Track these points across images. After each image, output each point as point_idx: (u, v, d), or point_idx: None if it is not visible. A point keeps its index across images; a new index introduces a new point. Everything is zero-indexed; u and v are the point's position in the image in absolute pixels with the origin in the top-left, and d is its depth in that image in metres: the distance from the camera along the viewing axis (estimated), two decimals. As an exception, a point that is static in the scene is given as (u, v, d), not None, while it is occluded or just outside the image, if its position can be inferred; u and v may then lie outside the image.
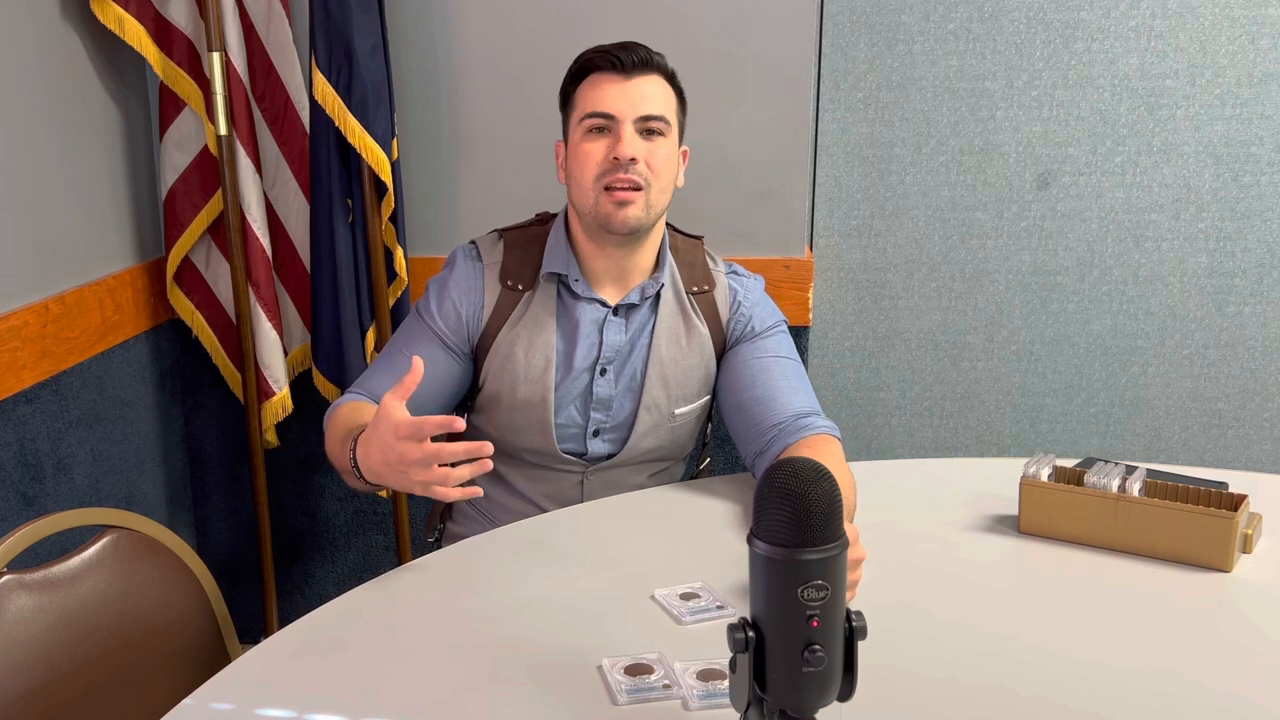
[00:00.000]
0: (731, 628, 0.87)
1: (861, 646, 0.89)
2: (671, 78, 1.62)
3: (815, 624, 0.85)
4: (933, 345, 2.66)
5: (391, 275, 2.32)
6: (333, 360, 2.29)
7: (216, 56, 2.19)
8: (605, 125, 1.56)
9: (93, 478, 2.17)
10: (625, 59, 1.56)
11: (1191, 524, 1.40)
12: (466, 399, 1.72)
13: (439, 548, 1.66)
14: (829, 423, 1.61)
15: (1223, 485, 1.47)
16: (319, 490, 2.58)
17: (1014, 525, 1.52)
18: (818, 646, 0.85)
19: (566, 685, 1.13)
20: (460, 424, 1.28)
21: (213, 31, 2.17)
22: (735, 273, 1.74)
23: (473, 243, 1.70)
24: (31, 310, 1.94)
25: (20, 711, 1.24)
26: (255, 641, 2.02)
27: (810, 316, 2.44)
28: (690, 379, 1.68)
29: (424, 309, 1.66)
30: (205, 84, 2.23)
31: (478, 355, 1.67)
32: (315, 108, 2.16)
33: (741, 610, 1.27)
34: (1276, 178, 2.51)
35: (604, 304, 1.64)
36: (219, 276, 2.36)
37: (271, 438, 2.41)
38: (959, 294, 2.63)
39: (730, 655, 0.89)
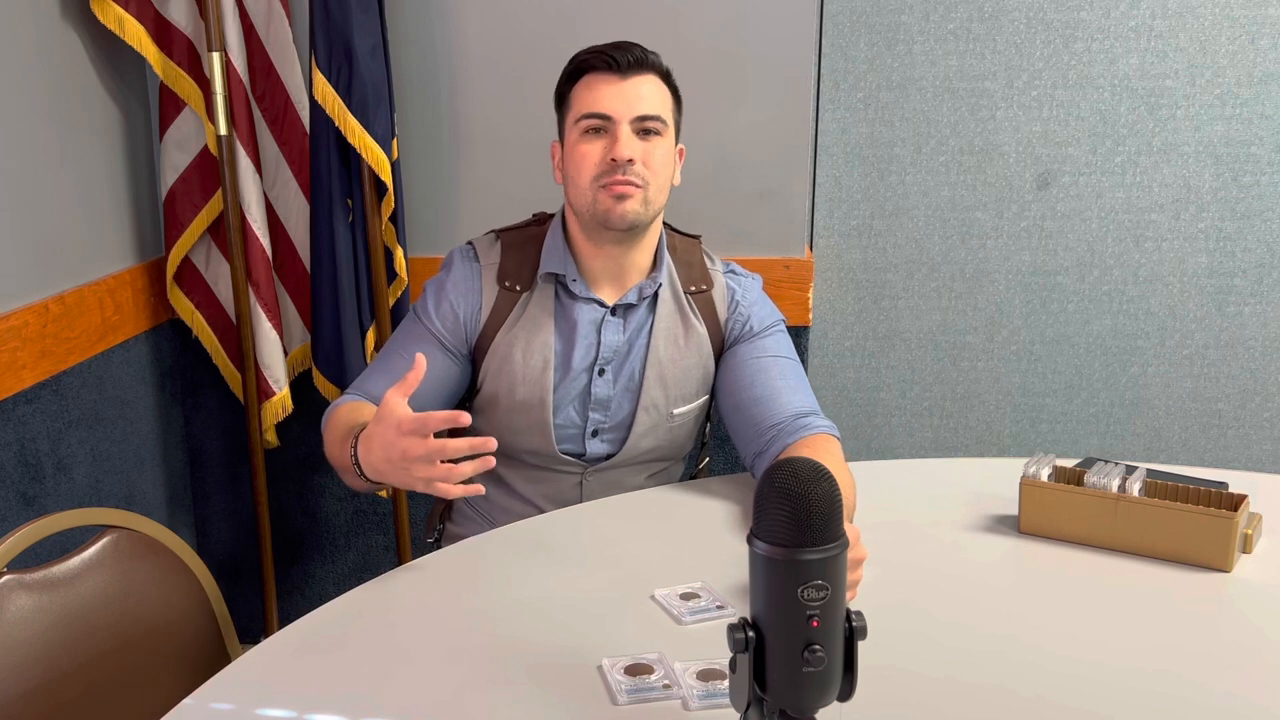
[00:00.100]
0: (731, 628, 0.87)
1: (861, 646, 0.89)
2: (667, 76, 1.61)
3: (815, 624, 0.85)
4: (933, 345, 2.66)
5: (391, 275, 2.32)
6: (333, 360, 2.29)
7: (216, 56, 2.19)
8: (601, 126, 1.56)
9: (93, 478, 2.17)
10: (620, 59, 1.55)
11: (1191, 524, 1.40)
12: (465, 400, 1.72)
13: (438, 548, 1.66)
14: (828, 422, 1.60)
15: (1223, 485, 1.47)
16: (319, 490, 2.58)
17: (1014, 525, 1.52)
18: (818, 646, 0.85)
19: (566, 685, 1.13)
20: (466, 419, 1.28)
21: (213, 31, 2.17)
22: (733, 272, 1.74)
23: (470, 244, 1.70)
24: (31, 310, 1.94)
25: (20, 711, 1.24)
26: (255, 641, 2.02)
27: (810, 316, 2.44)
28: (689, 379, 1.68)
29: (421, 310, 1.66)
30: (205, 84, 2.23)
31: (476, 356, 1.66)
32: (315, 108, 2.16)
33: (741, 610, 1.27)
34: (1276, 178, 2.51)
35: (602, 304, 1.64)
36: (219, 276, 2.36)
37: (271, 438, 2.41)
38: (959, 294, 2.63)
39: (730, 655, 0.89)
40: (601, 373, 1.65)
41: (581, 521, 1.55)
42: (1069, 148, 2.53)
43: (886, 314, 2.65)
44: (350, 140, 2.16)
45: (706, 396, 1.73)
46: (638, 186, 1.55)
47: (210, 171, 2.29)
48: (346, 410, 1.55)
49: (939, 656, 1.20)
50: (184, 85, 2.24)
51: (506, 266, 1.65)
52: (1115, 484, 1.45)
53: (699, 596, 1.31)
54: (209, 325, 2.38)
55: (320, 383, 2.32)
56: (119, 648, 1.36)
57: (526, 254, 1.66)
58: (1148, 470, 1.52)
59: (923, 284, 2.63)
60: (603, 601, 1.31)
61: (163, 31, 2.20)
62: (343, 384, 2.29)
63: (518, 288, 1.65)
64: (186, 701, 1.11)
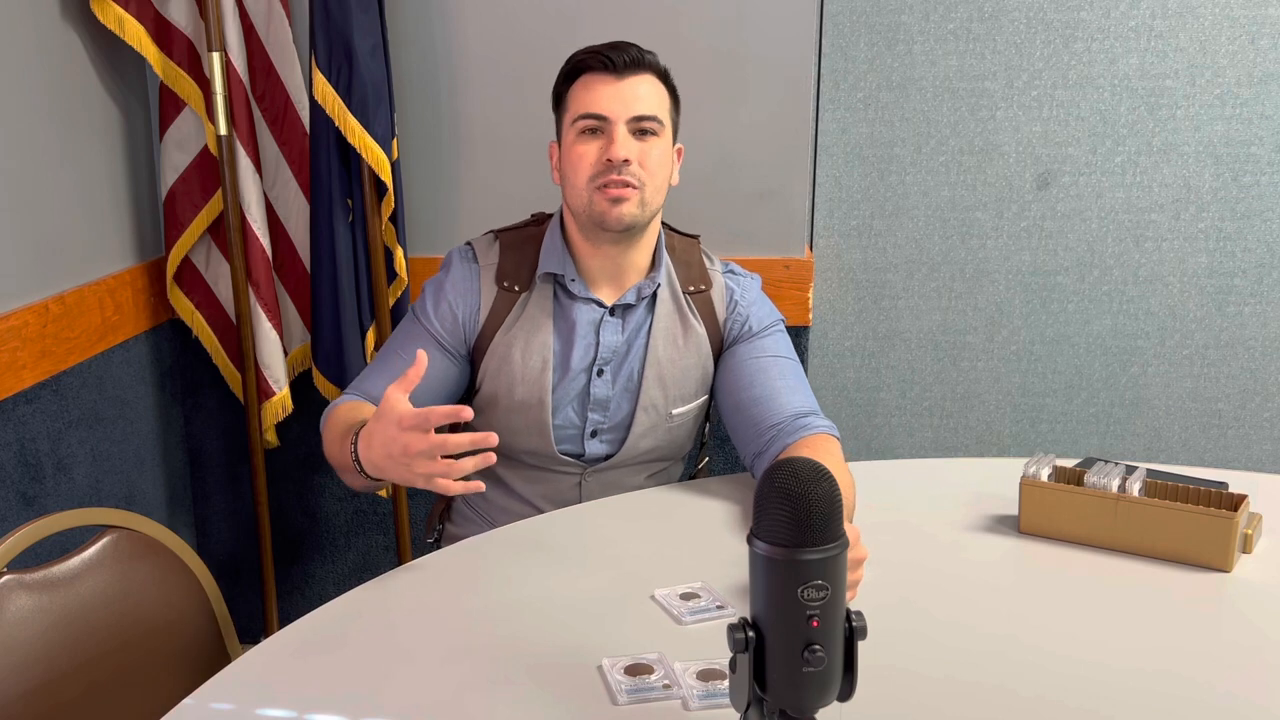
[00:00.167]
0: (731, 628, 0.87)
1: (861, 646, 0.89)
2: (664, 76, 1.61)
3: (815, 624, 0.85)
4: (933, 345, 2.66)
5: (391, 275, 2.32)
6: (333, 360, 2.29)
7: (216, 56, 2.19)
8: (598, 126, 1.56)
9: (93, 478, 2.17)
10: (617, 59, 1.55)
11: (1191, 524, 1.40)
12: (463, 401, 1.72)
13: (438, 549, 1.66)
14: (828, 422, 1.60)
15: (1223, 485, 1.47)
16: (319, 490, 2.58)
17: (1014, 525, 1.52)
18: (818, 646, 0.85)
19: (566, 685, 1.13)
20: (469, 413, 1.27)
21: (213, 31, 2.17)
22: (732, 272, 1.74)
23: (468, 244, 1.70)
24: (31, 310, 1.94)
25: (20, 711, 1.24)
26: (255, 641, 2.02)
27: (810, 316, 2.44)
28: (688, 379, 1.68)
29: (420, 311, 1.66)
30: (205, 84, 2.23)
31: (474, 357, 1.66)
32: (315, 108, 2.16)
33: (741, 610, 1.27)
34: (1276, 178, 2.51)
35: (600, 304, 1.64)
36: (219, 276, 2.36)
37: (271, 438, 2.41)
38: (959, 294, 2.63)
39: (730, 655, 0.89)
40: (600, 373, 1.65)
41: (581, 521, 1.55)
42: (1069, 148, 2.53)
43: (886, 314, 2.65)
44: (350, 140, 2.16)
45: (705, 396, 1.73)
46: (634, 187, 1.55)
47: (210, 171, 2.29)
48: (345, 409, 1.55)
49: (939, 656, 1.20)
50: (184, 85, 2.24)
51: (505, 267, 1.65)
52: (1115, 484, 1.45)
53: (699, 596, 1.31)
54: (209, 325, 2.38)
55: (320, 383, 2.32)
56: (119, 648, 1.36)
57: (525, 254, 1.66)
58: (1148, 470, 1.52)
59: (923, 284, 2.63)
60: (603, 601, 1.31)
61: (163, 31, 2.20)
62: (343, 384, 2.29)
63: (516, 288, 1.65)
64: (186, 701, 1.11)
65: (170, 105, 2.26)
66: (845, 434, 2.36)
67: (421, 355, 1.32)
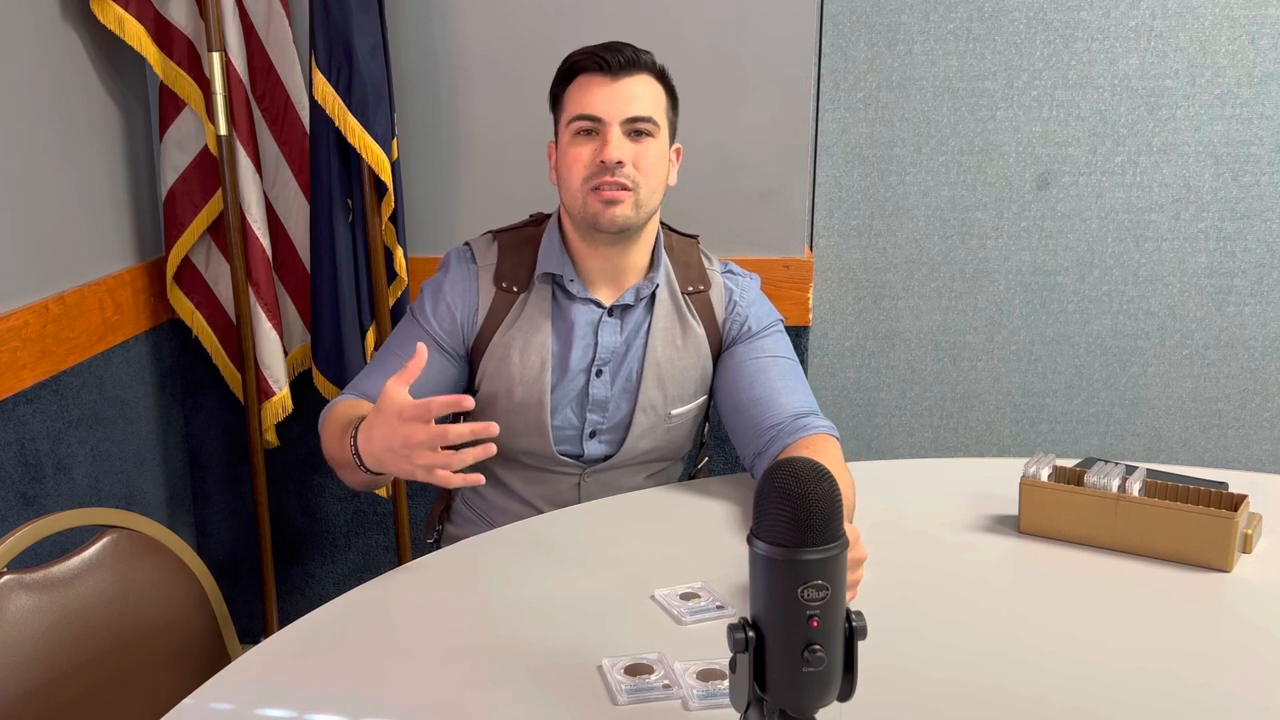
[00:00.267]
0: (731, 628, 0.87)
1: (861, 646, 0.89)
2: (661, 75, 1.61)
3: (815, 624, 0.85)
4: (933, 345, 2.66)
5: (391, 275, 2.32)
6: (333, 360, 2.29)
7: (216, 56, 2.19)
8: (592, 128, 1.56)
9: (93, 478, 2.17)
10: (611, 60, 1.55)
11: (1191, 524, 1.40)
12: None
13: (438, 549, 1.66)
14: (827, 423, 1.60)
15: (1223, 485, 1.47)
16: (319, 490, 2.58)
17: (1014, 525, 1.52)
18: (818, 646, 0.85)
19: (566, 685, 1.13)
20: (470, 402, 1.27)
21: (213, 31, 2.17)
22: (731, 272, 1.74)
23: (467, 244, 1.70)
24: (31, 310, 1.94)
25: (20, 711, 1.24)
26: (255, 641, 2.02)
27: (810, 316, 2.44)
28: (686, 379, 1.68)
29: (418, 311, 1.66)
30: (205, 84, 2.23)
31: (473, 358, 1.66)
32: (315, 108, 2.16)
33: (741, 610, 1.27)
34: (1276, 178, 2.51)
35: (599, 305, 1.64)
36: (219, 276, 2.36)
37: (271, 438, 2.41)
38: (959, 294, 2.63)
39: (730, 655, 0.89)
40: (599, 374, 1.65)
41: (581, 522, 1.55)
42: (1069, 148, 2.53)
43: (886, 314, 2.65)
44: (350, 140, 2.16)
45: (705, 397, 1.72)
46: (627, 190, 1.55)
47: (210, 171, 2.29)
48: (344, 407, 1.55)
49: (939, 656, 1.20)
50: (184, 85, 2.24)
51: (503, 268, 1.65)
52: (1115, 484, 1.45)
53: (699, 596, 1.31)
54: (209, 325, 2.38)
55: (320, 383, 2.32)
56: (119, 648, 1.36)
57: (523, 255, 1.66)
58: (1148, 470, 1.52)
59: (923, 284, 2.63)
60: (603, 601, 1.31)
61: (163, 31, 2.20)
62: (343, 384, 2.29)
63: (515, 289, 1.65)
64: (186, 701, 1.11)
65: (170, 105, 2.26)
66: (845, 434, 2.36)
67: (421, 348, 1.32)
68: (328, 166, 2.20)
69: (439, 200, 2.42)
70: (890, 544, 1.45)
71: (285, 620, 2.57)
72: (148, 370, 2.37)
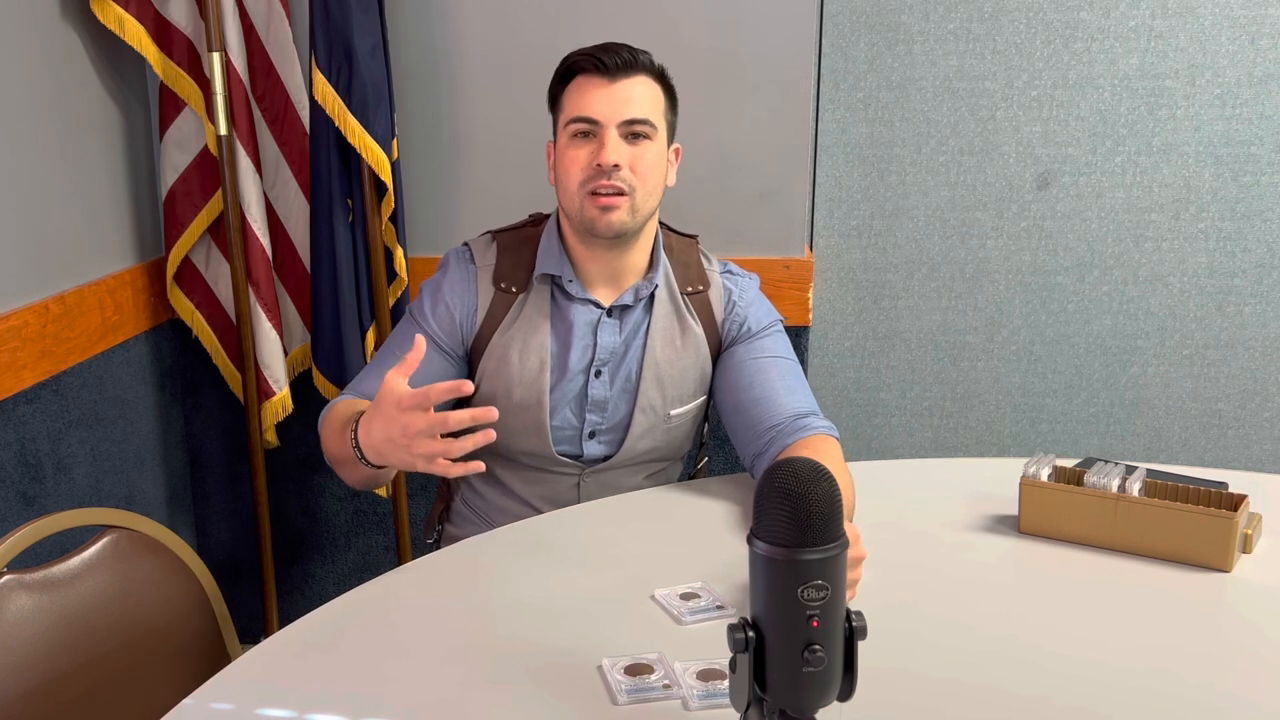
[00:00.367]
0: (731, 628, 0.87)
1: (861, 646, 0.89)
2: (660, 76, 1.60)
3: (815, 624, 0.85)
4: (933, 345, 2.66)
5: (391, 275, 2.32)
6: (333, 360, 2.29)
7: (216, 56, 2.19)
8: (590, 130, 1.55)
9: (93, 478, 2.17)
10: (609, 61, 1.54)
11: (1191, 524, 1.40)
12: (461, 402, 1.72)
13: (438, 549, 1.66)
14: (827, 423, 1.60)
15: (1223, 485, 1.47)
16: (319, 490, 2.58)
17: (1014, 525, 1.52)
18: (818, 646, 0.85)
19: (566, 685, 1.13)
20: (469, 387, 1.27)
21: (213, 31, 2.17)
22: (730, 272, 1.74)
23: (466, 245, 1.70)
24: (31, 310, 1.94)
25: (20, 711, 1.24)
26: (255, 641, 2.02)
27: (810, 316, 2.44)
28: (686, 380, 1.68)
29: (418, 312, 1.66)
30: (205, 84, 2.23)
31: (472, 358, 1.66)
32: (315, 108, 2.16)
33: (741, 610, 1.27)
34: (1276, 178, 2.51)
35: (598, 305, 1.64)
36: (219, 276, 2.36)
37: (271, 438, 2.41)
38: (959, 294, 2.63)
39: (730, 655, 0.89)
40: (598, 374, 1.65)
41: (581, 522, 1.55)
42: (1069, 148, 2.53)
43: (886, 314, 2.65)
44: (350, 140, 2.16)
45: (704, 397, 1.72)
46: (623, 194, 1.55)
47: (210, 171, 2.29)
48: (343, 406, 1.55)
49: (939, 657, 1.20)
50: (184, 85, 2.24)
51: (502, 268, 1.65)
52: (1115, 484, 1.45)
53: (699, 596, 1.31)
54: (209, 325, 2.38)
55: (320, 383, 2.32)
56: (119, 648, 1.36)
57: (522, 255, 1.66)
58: (1148, 470, 1.52)
59: (923, 284, 2.63)
60: (603, 601, 1.31)
61: (163, 31, 2.20)
62: (343, 384, 2.29)
63: (514, 289, 1.65)
64: (186, 701, 1.11)
65: (170, 105, 2.26)
66: (845, 434, 2.36)
67: (420, 340, 1.31)
68: (328, 166, 2.20)
69: (439, 200, 2.42)
70: (890, 544, 1.45)
71: (285, 620, 2.57)
72: (148, 370, 2.37)
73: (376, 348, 2.32)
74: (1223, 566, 1.39)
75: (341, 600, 1.31)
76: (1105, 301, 2.61)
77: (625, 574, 1.38)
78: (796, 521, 0.84)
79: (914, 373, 2.68)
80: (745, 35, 2.30)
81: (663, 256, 1.68)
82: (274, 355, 2.32)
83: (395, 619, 1.28)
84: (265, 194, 2.32)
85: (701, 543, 1.47)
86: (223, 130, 2.22)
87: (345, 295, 2.26)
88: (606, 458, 1.68)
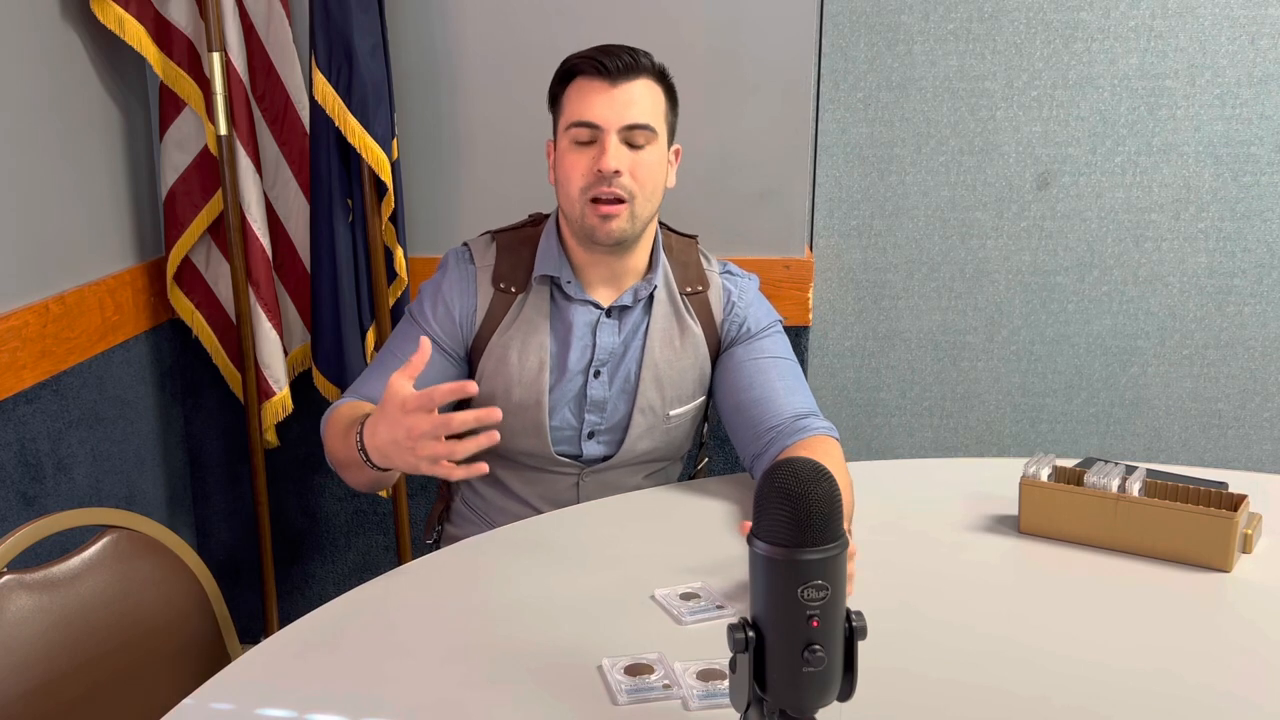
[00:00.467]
0: (731, 628, 0.87)
1: (861, 646, 0.89)
2: (661, 76, 1.60)
3: (815, 624, 0.85)
4: (933, 345, 2.66)
5: (391, 275, 2.32)
6: (333, 360, 2.29)
7: (216, 56, 2.19)
8: (591, 136, 1.55)
9: (93, 478, 2.17)
10: (610, 65, 1.53)
11: (1191, 524, 1.40)
12: (461, 403, 1.72)
13: (437, 550, 1.66)
14: (827, 424, 1.60)
15: (1223, 485, 1.47)
16: (319, 490, 2.58)
17: (1014, 525, 1.52)
18: (818, 646, 0.85)
19: (566, 685, 1.13)
20: (473, 387, 1.28)
21: (213, 31, 2.17)
22: (729, 272, 1.74)
23: (465, 245, 1.70)
24: (31, 310, 1.94)
25: (20, 711, 1.24)
26: (255, 641, 2.02)
27: (810, 317, 2.44)
28: (685, 380, 1.68)
29: (418, 313, 1.66)
30: (205, 84, 2.23)
31: (472, 358, 1.66)
32: (315, 108, 2.16)
33: (741, 610, 1.27)
34: (1276, 178, 2.51)
35: (597, 306, 1.64)
36: (219, 276, 2.36)
37: (271, 438, 2.41)
38: (959, 294, 2.63)
39: (730, 655, 0.89)
40: (597, 374, 1.65)
41: (581, 522, 1.55)
42: (1069, 148, 2.53)
43: (886, 314, 2.65)
44: (350, 140, 2.16)
45: (703, 397, 1.72)
46: (623, 201, 1.55)
47: (210, 171, 2.29)
48: (346, 409, 1.55)
49: (939, 657, 1.20)
50: (184, 85, 2.24)
51: (501, 268, 1.65)
52: (1115, 484, 1.45)
53: (699, 596, 1.31)
54: (209, 325, 2.38)
55: (320, 383, 2.32)
56: (119, 648, 1.36)
57: (521, 256, 1.66)
58: (1148, 470, 1.52)
59: (923, 284, 2.63)
60: (603, 601, 1.31)
61: (163, 31, 2.20)
62: (343, 384, 2.29)
63: (513, 289, 1.65)
64: (186, 701, 1.11)
65: (170, 105, 2.26)
66: (845, 434, 2.36)
67: (425, 342, 1.32)
68: (328, 166, 2.20)
69: (439, 200, 2.42)
70: (890, 544, 1.45)
71: (285, 620, 2.57)
72: (148, 370, 2.37)
73: (376, 348, 2.32)
74: (1223, 566, 1.39)
75: (341, 600, 1.31)
76: (1105, 301, 2.61)
77: (625, 574, 1.38)
78: (796, 521, 0.84)
79: (914, 373, 2.68)
80: (745, 35, 2.30)
81: (662, 257, 1.68)
82: (274, 355, 2.32)
83: (395, 619, 1.28)
84: (265, 194, 2.32)
85: (701, 543, 1.47)
86: (223, 130, 2.22)
87: (345, 295, 2.26)
88: (606, 458, 1.68)
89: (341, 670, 1.16)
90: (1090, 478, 1.47)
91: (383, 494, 2.51)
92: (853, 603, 0.90)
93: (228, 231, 2.27)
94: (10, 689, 1.24)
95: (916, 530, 1.52)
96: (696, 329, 1.68)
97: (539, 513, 1.66)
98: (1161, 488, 1.45)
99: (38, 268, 1.99)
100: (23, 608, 1.28)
